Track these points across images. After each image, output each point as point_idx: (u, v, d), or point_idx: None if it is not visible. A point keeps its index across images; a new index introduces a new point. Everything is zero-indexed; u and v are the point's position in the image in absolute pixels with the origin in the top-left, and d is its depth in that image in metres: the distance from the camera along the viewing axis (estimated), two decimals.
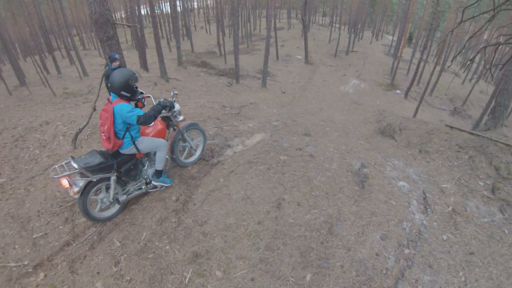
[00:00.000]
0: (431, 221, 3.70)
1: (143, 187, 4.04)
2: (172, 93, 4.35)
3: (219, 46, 26.25)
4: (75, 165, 3.21)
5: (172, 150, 4.44)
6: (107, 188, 3.74)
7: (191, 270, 3.01)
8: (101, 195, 3.71)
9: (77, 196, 3.34)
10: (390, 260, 3.11)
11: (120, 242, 3.43)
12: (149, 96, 4.38)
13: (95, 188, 3.55)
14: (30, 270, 3.21)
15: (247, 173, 4.54)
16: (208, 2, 54.51)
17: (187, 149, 4.84)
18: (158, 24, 22.89)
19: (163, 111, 3.96)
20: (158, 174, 4.00)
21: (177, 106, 4.18)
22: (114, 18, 6.08)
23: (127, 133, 3.49)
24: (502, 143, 5.44)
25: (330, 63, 26.73)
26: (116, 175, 3.66)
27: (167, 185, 4.18)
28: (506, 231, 3.61)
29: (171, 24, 34.52)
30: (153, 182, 4.04)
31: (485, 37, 26.47)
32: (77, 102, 10.07)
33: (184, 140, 4.64)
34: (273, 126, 7.45)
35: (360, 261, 3.07)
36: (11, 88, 13.29)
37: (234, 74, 17.32)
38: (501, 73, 11.20)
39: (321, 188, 4.18)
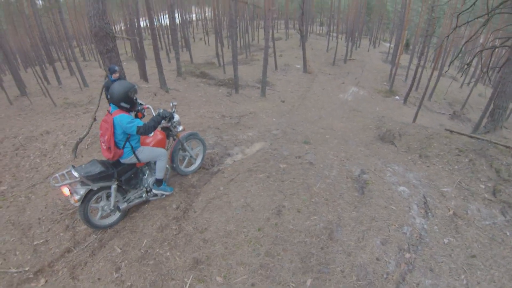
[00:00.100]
0: (432, 225, 3.70)
1: (143, 195, 4.06)
2: (171, 104, 4.40)
3: (218, 57, 26.42)
4: (76, 174, 3.25)
5: (172, 159, 4.48)
6: (108, 196, 3.76)
7: (191, 276, 3.00)
8: (101, 203, 3.73)
9: (78, 204, 3.36)
10: (391, 264, 3.10)
11: (121, 249, 3.44)
12: (148, 107, 4.43)
13: (95, 196, 3.57)
14: (31, 276, 3.21)
15: (247, 181, 4.57)
16: (207, 13, 55.10)
17: (187, 158, 4.89)
18: (157, 36, 23.13)
19: (163, 121, 4.01)
20: (159, 182, 4.03)
21: (176, 117, 4.23)
22: (113, 31, 6.16)
23: (127, 143, 3.53)
24: (502, 145, 5.44)
25: (329, 72, 26.93)
26: (117, 184, 3.69)
27: (168, 193, 4.20)
28: (508, 233, 3.60)
29: (170, 36, 34.81)
30: (153, 191, 4.06)
31: (481, 41, 26.70)
32: (77, 112, 10.15)
33: (184, 150, 4.68)
34: (273, 134, 7.49)
35: (361, 265, 3.06)
36: (12, 98, 13.42)
37: (233, 84, 17.43)
38: (498, 75, 11.26)
39: (321, 194, 4.19)
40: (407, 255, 3.22)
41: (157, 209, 4.05)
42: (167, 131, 4.27)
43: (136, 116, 4.23)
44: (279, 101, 16.58)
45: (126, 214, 3.99)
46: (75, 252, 3.50)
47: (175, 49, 18.63)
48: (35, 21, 22.78)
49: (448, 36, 9.45)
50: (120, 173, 3.69)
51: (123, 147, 3.52)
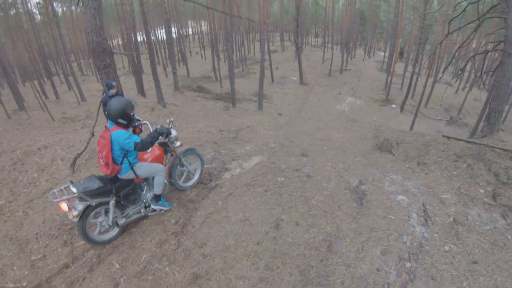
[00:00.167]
0: (432, 233, 3.68)
1: (142, 210, 4.05)
2: (168, 120, 4.43)
3: (215, 70, 26.51)
4: (74, 190, 3.25)
5: (170, 174, 4.49)
6: (106, 212, 3.75)
7: None
8: (100, 219, 3.72)
9: (76, 220, 3.35)
10: (392, 274, 3.08)
11: (119, 264, 3.41)
12: (146, 123, 4.46)
13: (94, 212, 3.57)
14: None
15: (245, 196, 4.58)
16: (203, 27, 55.73)
17: (185, 173, 4.91)
18: (154, 51, 23.38)
19: (160, 137, 4.03)
20: (157, 198, 4.03)
21: (173, 133, 4.26)
22: (111, 46, 6.23)
23: (125, 159, 3.55)
24: (500, 148, 5.45)
25: (325, 83, 27.16)
26: (115, 199, 3.68)
27: (166, 208, 4.20)
28: (509, 237, 3.58)
29: (166, 50, 35.13)
30: (152, 206, 4.06)
31: (473, 45, 27.08)
32: (75, 127, 10.18)
33: (182, 165, 4.71)
34: (270, 148, 7.51)
35: (361, 277, 3.04)
36: (10, 112, 13.45)
37: (230, 98, 17.52)
38: (492, 79, 11.33)
39: (319, 207, 4.19)
40: (408, 264, 3.20)
41: (156, 224, 4.03)
42: (165, 147, 4.30)
43: (134, 132, 4.25)
44: (276, 114, 16.67)
45: (124, 229, 3.97)
46: (73, 267, 3.47)
47: (172, 64, 18.79)
48: (34, 36, 23.05)
49: (441, 42, 9.59)
50: (119, 189, 3.70)
51: (121, 163, 3.53)
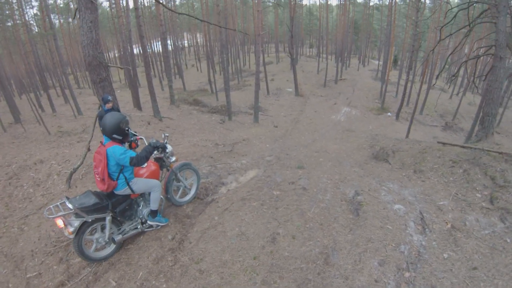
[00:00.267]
0: (430, 241, 3.68)
1: (138, 226, 4.02)
2: (163, 135, 4.44)
3: (210, 83, 26.66)
4: (70, 206, 3.23)
5: (166, 190, 4.48)
6: (103, 228, 3.72)
7: None
8: (96, 235, 3.69)
9: (72, 236, 3.33)
10: (390, 285, 3.06)
11: (116, 282, 3.37)
12: (141, 138, 4.47)
13: (90, 228, 3.54)
14: None
15: (241, 210, 4.57)
16: (198, 39, 56.21)
17: (181, 188, 4.88)
18: (150, 64, 23.49)
19: (155, 152, 4.04)
20: (153, 214, 4.01)
21: (169, 148, 4.26)
22: (107, 59, 6.27)
23: (121, 175, 3.55)
24: (495, 151, 5.46)
25: (320, 93, 27.38)
26: (111, 215, 3.66)
27: (163, 224, 4.17)
28: (509, 240, 3.58)
29: (162, 63, 35.33)
30: (148, 222, 4.03)
31: (466, 51, 27.42)
32: (71, 141, 10.16)
33: (178, 180, 4.69)
34: (266, 161, 7.52)
35: None
36: (6, 125, 13.44)
37: (226, 111, 17.60)
38: (485, 83, 11.44)
39: (315, 219, 4.19)
40: (407, 274, 3.19)
41: (153, 240, 4.00)
42: (161, 162, 4.29)
43: (130, 147, 4.26)
44: (272, 126, 16.74)
45: (121, 246, 3.93)
46: (69, 285, 3.42)
47: (168, 77, 18.91)
48: (31, 47, 23.12)
49: (433, 49, 9.72)
50: (115, 205, 3.68)
51: (117, 179, 3.52)
